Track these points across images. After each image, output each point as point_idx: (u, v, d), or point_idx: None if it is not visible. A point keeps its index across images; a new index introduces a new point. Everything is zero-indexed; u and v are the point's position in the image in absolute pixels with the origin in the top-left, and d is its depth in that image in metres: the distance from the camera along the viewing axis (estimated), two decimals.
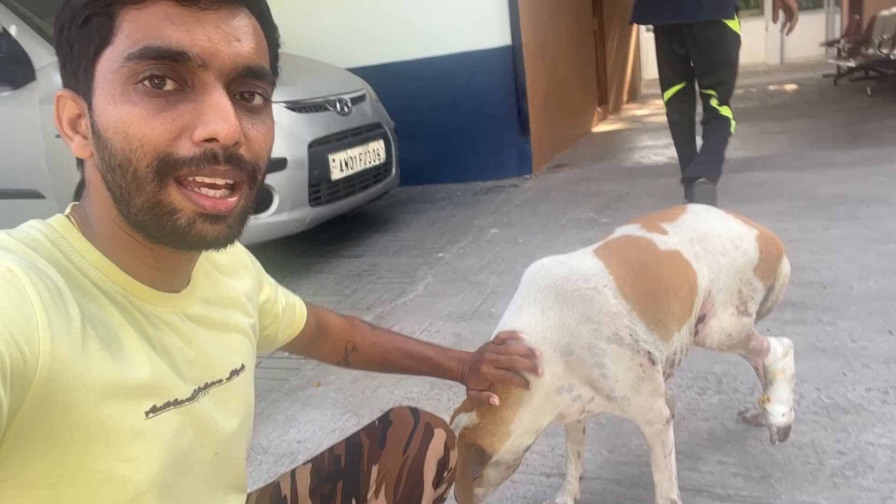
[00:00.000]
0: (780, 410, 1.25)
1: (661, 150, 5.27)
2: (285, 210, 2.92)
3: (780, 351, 1.27)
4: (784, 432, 1.28)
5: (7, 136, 2.85)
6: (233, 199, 0.56)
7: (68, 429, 0.48)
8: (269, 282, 0.88)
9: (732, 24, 3.05)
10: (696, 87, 3.29)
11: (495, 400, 0.97)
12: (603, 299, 1.01)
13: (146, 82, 0.51)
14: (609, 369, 1.00)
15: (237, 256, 0.79)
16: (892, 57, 6.46)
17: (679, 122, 3.35)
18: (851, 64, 7.78)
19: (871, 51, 7.50)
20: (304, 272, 3.20)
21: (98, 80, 0.53)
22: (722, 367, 1.76)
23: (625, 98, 9.54)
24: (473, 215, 3.90)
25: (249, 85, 0.56)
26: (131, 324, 0.56)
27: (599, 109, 7.62)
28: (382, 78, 4.52)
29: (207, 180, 0.54)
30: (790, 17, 3.03)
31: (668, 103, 3.36)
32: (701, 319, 1.18)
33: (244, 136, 0.55)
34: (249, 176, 0.57)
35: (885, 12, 7.69)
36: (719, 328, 1.17)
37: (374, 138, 3.51)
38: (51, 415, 0.47)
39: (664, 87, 3.35)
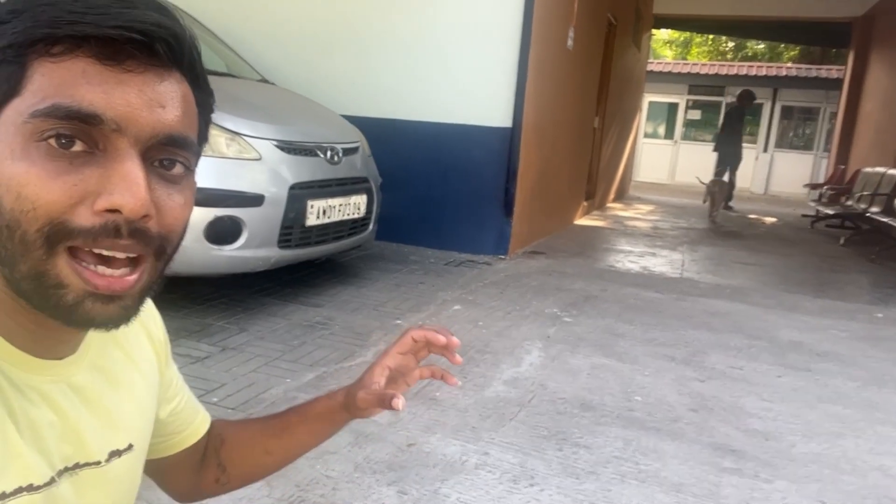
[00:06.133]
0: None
1: (635, 258, 5.33)
2: (251, 247, 2.85)
3: None
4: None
5: None
6: (132, 278, 0.50)
7: None
8: (174, 365, 0.78)
9: None
10: None
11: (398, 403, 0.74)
12: None
13: (52, 141, 0.46)
14: None
15: (152, 316, 0.72)
16: (868, 213, 6.71)
17: None
18: (830, 211, 8.07)
19: (850, 202, 7.80)
20: (257, 311, 3.11)
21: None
22: None
23: (611, 196, 9.75)
24: (441, 286, 3.87)
25: (169, 153, 0.51)
26: None
27: (585, 203, 7.75)
28: (380, 131, 4.54)
29: (105, 253, 0.48)
30: None
31: None
32: None
33: (157, 207, 0.50)
34: (157, 249, 0.51)
35: (869, 169, 8.04)
36: None
37: (357, 192, 3.50)
38: None
39: None
